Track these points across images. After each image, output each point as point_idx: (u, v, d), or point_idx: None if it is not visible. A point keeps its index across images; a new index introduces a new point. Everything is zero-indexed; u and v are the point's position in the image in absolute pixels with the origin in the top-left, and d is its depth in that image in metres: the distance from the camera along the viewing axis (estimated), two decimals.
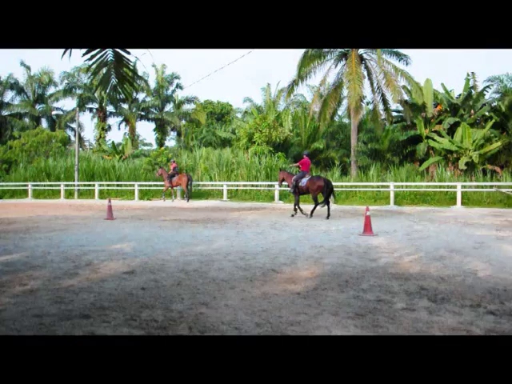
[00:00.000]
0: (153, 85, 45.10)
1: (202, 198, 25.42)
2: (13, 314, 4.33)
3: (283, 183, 17.11)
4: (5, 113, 45.43)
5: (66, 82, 43.26)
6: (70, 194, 29.35)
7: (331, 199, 14.64)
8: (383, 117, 30.39)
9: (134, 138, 44.59)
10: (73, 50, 3.86)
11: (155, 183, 27.33)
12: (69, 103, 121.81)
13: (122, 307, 4.55)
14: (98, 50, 4.17)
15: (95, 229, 11.53)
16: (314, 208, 14.75)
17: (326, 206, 14.44)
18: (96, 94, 41.90)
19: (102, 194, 28.00)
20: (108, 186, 29.02)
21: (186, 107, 46.20)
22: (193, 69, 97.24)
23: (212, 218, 14.17)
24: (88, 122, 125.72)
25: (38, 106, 45.90)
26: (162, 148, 34.22)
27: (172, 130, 47.69)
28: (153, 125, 46.50)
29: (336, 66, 29.34)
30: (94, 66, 4.42)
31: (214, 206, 20.92)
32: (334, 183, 22.86)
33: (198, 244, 8.78)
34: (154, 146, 48.85)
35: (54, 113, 46.24)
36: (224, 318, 4.21)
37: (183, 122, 45.95)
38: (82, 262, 6.95)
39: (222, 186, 25.51)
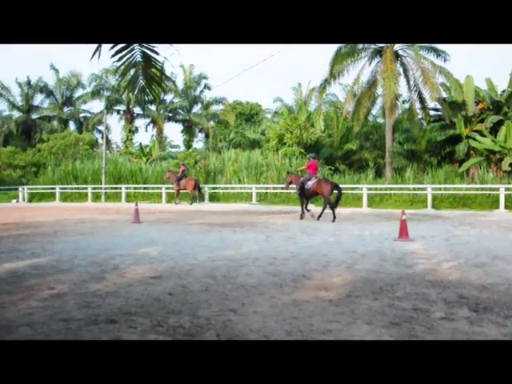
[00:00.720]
0: (180, 86, 45.69)
1: (230, 201, 25.53)
2: (41, 317, 4.44)
3: (290, 186, 17.38)
4: (34, 116, 46.82)
5: (94, 84, 44.26)
6: (96, 197, 29.95)
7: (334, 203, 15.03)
8: (420, 116, 29.92)
9: (161, 139, 45.20)
10: (102, 51, 3.95)
11: None
12: (96, 105, 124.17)
13: (148, 313, 4.61)
14: (126, 50, 4.25)
15: (122, 232, 11.72)
16: (322, 211, 15.24)
17: (331, 210, 14.75)
18: (123, 96, 42.66)
19: (129, 197, 28.47)
20: (135, 189, 29.49)
21: (215, 108, 46.58)
22: (221, 69, 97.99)
23: (241, 222, 14.20)
24: (115, 124, 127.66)
25: (66, 109, 47.13)
26: (190, 150, 34.64)
27: (200, 131, 48.11)
28: (180, 126, 47.11)
29: (370, 63, 29.08)
30: (122, 67, 4.51)
31: (243, 209, 20.98)
32: (367, 185, 22.78)
33: (226, 248, 8.81)
34: (182, 148, 49.37)
35: (81, 115, 47.38)
36: (253, 325, 4.21)
37: (211, 123, 46.32)
38: (108, 266, 7.08)
39: (250, 188, 25.59)
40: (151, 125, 46.68)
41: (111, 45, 4.25)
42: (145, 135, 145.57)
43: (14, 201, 30.78)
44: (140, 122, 49.41)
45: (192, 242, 9.83)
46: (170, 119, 46.62)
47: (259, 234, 11.23)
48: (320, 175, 15.86)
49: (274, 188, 26.09)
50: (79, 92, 46.90)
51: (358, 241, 9.89)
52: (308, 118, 33.68)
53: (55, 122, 46.88)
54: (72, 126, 47.66)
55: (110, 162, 33.15)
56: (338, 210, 16.01)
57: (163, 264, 7.21)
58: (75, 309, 4.74)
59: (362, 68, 28.92)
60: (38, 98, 46.97)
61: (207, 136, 46.63)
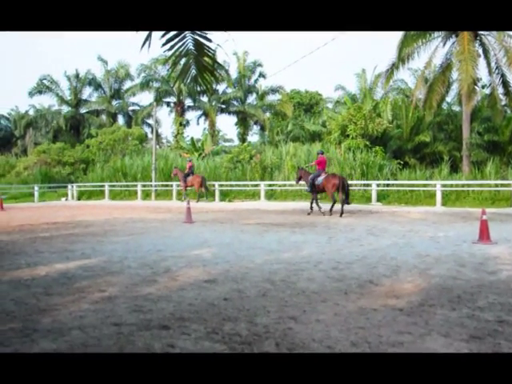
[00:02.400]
0: (234, 75, 46.07)
1: (288, 199, 25.52)
2: (93, 321, 4.62)
3: (300, 182, 18.96)
4: (83, 110, 48.75)
5: (143, 75, 45.40)
6: (146, 195, 30.74)
7: (343, 198, 16.38)
8: (503, 102, 28.68)
9: (213, 133, 45.76)
10: (152, 40, 4.04)
11: (237, 183, 27.87)
12: (145, 98, 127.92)
13: (202, 319, 4.69)
14: (178, 38, 4.32)
15: (173, 233, 11.98)
16: (332, 206, 16.65)
17: (340, 204, 16.23)
18: (174, 87, 43.53)
19: (181, 195, 29.00)
20: None
21: (271, 98, 46.66)
22: (277, 55, 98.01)
23: (300, 222, 14.18)
24: (165, 117, 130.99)
25: (114, 102, 48.72)
26: (245, 144, 34.81)
27: (255, 123, 48.32)
28: (234, 118, 47.50)
29: (444, 44, 28.16)
30: (173, 57, 4.60)
31: (302, 208, 20.90)
32: (442, 182, 22.12)
33: (285, 251, 8.82)
34: (236, 142, 49.79)
35: (130, 108, 48.80)
36: (315, 334, 4.19)
37: (267, 114, 46.43)
38: (160, 268, 7.25)
39: None
40: (203, 117, 47.37)
41: (162, 33, 4.34)
42: (196, 129, 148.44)
43: (63, 199, 32.12)
44: (191, 115, 50.28)
45: (248, 243, 9.91)
46: (222, 111, 47.11)
47: (321, 235, 11.17)
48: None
49: None
50: (128, 84, 48.39)
51: (431, 243, 9.64)
52: (374, 108, 33.08)
53: (104, 116, 48.58)
54: (121, 119, 49.29)
55: (160, 157, 33.93)
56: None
57: (217, 267, 7.31)
58: (126, 313, 4.89)
59: (434, 50, 28.07)
60: (87, 92, 48.92)
61: (263, 129, 46.79)
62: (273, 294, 5.65)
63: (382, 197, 23.48)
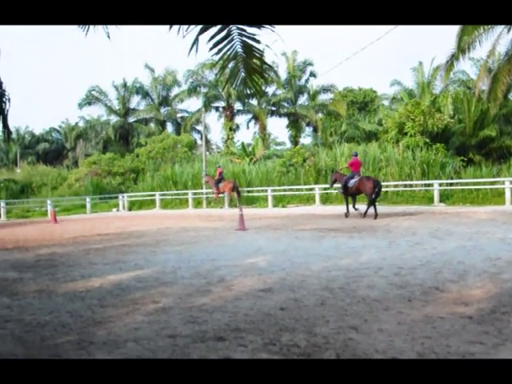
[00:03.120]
0: (283, 75, 46.11)
1: (343, 203, 25.28)
2: (147, 333, 4.72)
3: (335, 185, 19.78)
4: (131, 119, 50.06)
5: (190, 80, 46.12)
6: (198, 203, 31.16)
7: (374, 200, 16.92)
8: None
9: (264, 137, 45.95)
10: (199, 44, 4.11)
11: (290, 187, 27.84)
12: (194, 104, 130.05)
13: (259, 329, 4.69)
14: (225, 41, 4.37)
15: (226, 241, 12.08)
16: (368, 207, 16.99)
17: (373, 207, 16.75)
18: (223, 92, 44.00)
19: (232, 202, 29.23)
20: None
21: (323, 98, 46.43)
22: (327, 53, 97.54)
23: (358, 226, 14.01)
24: (214, 123, 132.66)
25: (162, 110, 49.80)
26: (297, 147, 34.83)
27: (307, 125, 48.19)
28: (285, 121, 47.53)
29: (509, 30, 27.23)
30: (221, 61, 4.65)
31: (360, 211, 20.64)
32: (511, 178, 21.33)
33: (343, 257, 8.74)
34: (288, 145, 49.85)
35: (178, 115, 49.73)
36: (378, 345, 4.12)
37: (320, 115, 46.22)
38: (213, 278, 7.33)
39: None
40: (253, 121, 47.65)
41: (209, 37, 4.41)
42: (246, 133, 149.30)
43: (114, 209, 33.04)
44: (241, 119, 50.76)
45: (304, 249, 9.88)
46: (273, 113, 47.24)
47: (380, 239, 11.00)
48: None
49: (396, 186, 25.39)
50: (175, 90, 49.34)
51: (501, 245, 9.31)
52: (433, 102, 32.37)
53: (152, 125, 49.70)
54: (169, 127, 50.30)
55: (210, 164, 34.37)
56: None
57: (273, 275, 7.32)
58: (181, 324, 4.97)
59: (498, 37, 27.16)
60: (135, 100, 50.26)
61: (315, 130, 46.60)
62: (331, 302, 5.60)
63: (446, 197, 22.90)
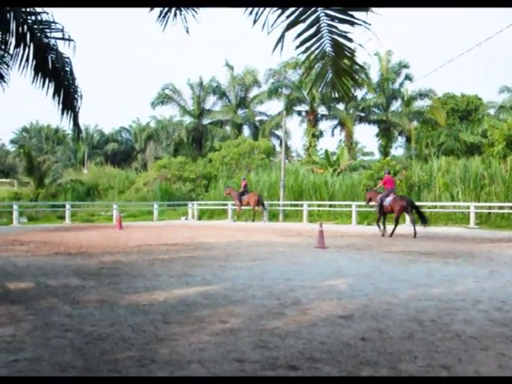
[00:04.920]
0: (375, 78, 45.64)
1: (439, 224, 24.60)
2: (213, 355, 4.78)
3: (370, 203, 21.20)
4: (206, 121, 51.11)
5: (272, 81, 46.52)
6: (273, 216, 31.26)
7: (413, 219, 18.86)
8: None
9: (351, 145, 45.58)
10: (285, 41, 4.15)
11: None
12: (274, 106, 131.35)
13: (336, 361, 4.64)
14: (314, 39, 4.39)
15: (303, 259, 12.05)
16: (394, 229, 18.63)
17: (412, 226, 18.58)
18: (306, 94, 44.07)
19: (312, 217, 29.15)
20: (319, 206, 30.10)
21: (419, 104, 45.58)
22: (426, 53, 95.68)
23: (454, 251, 13.60)
24: (296, 128, 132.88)
25: (240, 112, 50.46)
26: (387, 158, 34.23)
27: (400, 134, 47.42)
28: (375, 129, 47.01)
29: None
30: (307, 60, 4.67)
31: (457, 234, 20.04)
32: None
33: (436, 285, 8.51)
34: (377, 156, 49.17)
35: (257, 118, 50.23)
36: None
37: (414, 123, 45.36)
38: (288, 299, 7.32)
39: (467, 207, 24.36)
40: (339, 127, 47.44)
41: (296, 34, 4.44)
42: (331, 140, 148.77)
43: (183, 218, 33.72)
44: (325, 125, 50.64)
45: (390, 274, 9.71)
46: (361, 120, 46.84)
47: (480, 267, 10.62)
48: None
49: (501, 207, 24.42)
50: (255, 91, 49.86)
51: None
52: None
53: (228, 128, 50.51)
54: (246, 131, 50.87)
55: (289, 173, 34.41)
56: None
57: (354, 301, 7.24)
58: (250, 348, 4.99)
59: None
60: (210, 101, 51.25)
61: (409, 140, 45.73)
62: (420, 336, 5.46)
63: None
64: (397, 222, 18.82)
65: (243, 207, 29.60)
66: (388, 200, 18.88)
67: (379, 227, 19.44)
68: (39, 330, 5.73)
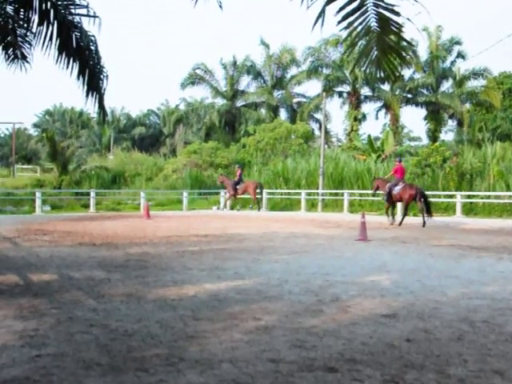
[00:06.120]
0: (423, 56, 44.99)
1: (493, 216, 24.24)
2: (246, 354, 4.80)
3: (377, 192, 22.23)
4: (239, 103, 51.12)
5: (311, 59, 46.23)
6: (312, 205, 31.22)
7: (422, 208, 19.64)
8: None
9: (396, 129, 45.15)
10: (325, 16, 4.11)
11: (425, 193, 27.08)
12: (313, 88, 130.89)
13: (379, 363, 4.62)
14: (358, 13, 4.34)
15: (344, 253, 12.02)
16: (403, 218, 20.04)
17: (421, 215, 19.59)
18: (349, 74, 43.67)
19: (353, 207, 29.01)
20: (361, 195, 29.91)
21: (472, 84, 44.87)
22: (480, 29, 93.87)
23: (509, 246, 13.40)
24: (336, 111, 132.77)
25: (276, 93, 50.39)
26: (436, 143, 33.83)
27: (450, 117, 46.79)
28: (423, 111, 46.53)
29: None
30: (350, 36, 4.62)
31: None
32: None
33: (489, 283, 8.40)
34: (425, 141, 48.68)
35: (294, 100, 49.98)
36: None
37: (467, 105, 44.65)
38: (326, 296, 7.31)
39: None
40: (383, 110, 47.05)
41: (337, 8, 4.39)
42: (375, 124, 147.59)
43: (214, 207, 33.84)
44: (368, 107, 50.48)
45: (439, 270, 9.61)
46: (408, 102, 46.33)
47: None
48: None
49: None
50: (292, 71, 49.66)
51: None
52: None
53: (263, 110, 50.46)
54: (283, 114, 50.80)
55: (328, 159, 34.28)
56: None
57: (399, 298, 7.19)
58: (286, 348, 5.00)
59: None
60: (244, 81, 51.26)
61: (461, 124, 45.08)
62: (471, 338, 5.39)
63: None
64: (406, 211, 20.42)
65: (239, 196, 30.46)
66: (397, 189, 20.02)
67: (388, 216, 20.65)
68: (63, 324, 5.84)
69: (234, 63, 50.12)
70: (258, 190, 29.60)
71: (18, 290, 7.71)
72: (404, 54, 5.44)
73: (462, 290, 7.82)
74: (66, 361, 4.61)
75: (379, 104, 47.06)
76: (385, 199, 20.91)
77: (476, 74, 44.41)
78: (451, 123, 48.33)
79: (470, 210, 26.05)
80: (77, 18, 9.23)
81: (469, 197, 26.29)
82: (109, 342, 5.19)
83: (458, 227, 19.87)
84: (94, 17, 9.00)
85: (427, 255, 11.63)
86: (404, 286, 8.01)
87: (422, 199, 19.56)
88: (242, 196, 30.57)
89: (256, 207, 29.73)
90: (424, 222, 19.18)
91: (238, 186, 29.64)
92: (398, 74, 5.97)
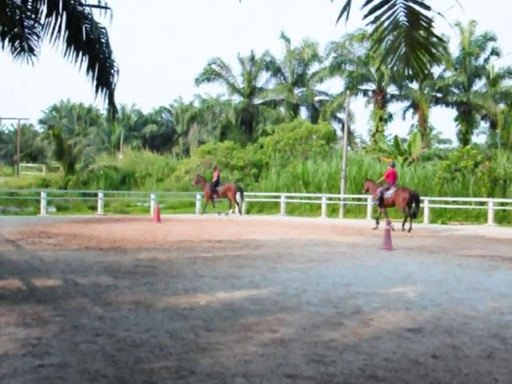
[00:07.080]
0: (455, 53, 44.75)
1: None
2: (260, 368, 4.80)
3: (367, 194, 23.76)
4: (257, 101, 51.07)
5: (334, 55, 46.12)
6: (333, 211, 31.16)
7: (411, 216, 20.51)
8: None
9: (425, 131, 44.89)
10: (351, 10, 4.10)
11: (455, 199, 26.98)
12: (336, 85, 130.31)
13: (402, 380, 4.60)
14: (386, 7, 4.32)
15: (366, 262, 11.99)
16: (404, 221, 20.57)
17: (408, 219, 20.36)
18: (375, 71, 43.50)
19: (377, 213, 28.83)
20: None
21: (507, 84, 44.48)
22: None
23: None
24: (361, 110, 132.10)
25: (296, 91, 50.30)
26: (468, 146, 33.61)
27: (483, 118, 46.49)
28: (454, 112, 46.24)
29: None
30: (377, 32, 4.60)
31: None
32: None
33: None
34: (455, 144, 48.37)
35: (316, 99, 49.96)
36: None
37: (501, 106, 44.32)
38: (347, 307, 7.29)
39: None
40: (411, 110, 46.83)
41: (363, 2, 4.38)
42: (401, 125, 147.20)
43: (229, 211, 33.91)
44: (395, 107, 50.01)
45: (468, 282, 9.56)
46: (437, 102, 46.08)
47: None
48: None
49: None
50: (314, 67, 49.53)
51: None
52: None
53: (282, 109, 50.39)
54: (304, 112, 50.65)
55: (352, 162, 34.18)
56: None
57: (425, 312, 7.16)
58: (303, 363, 4.99)
59: None
60: (263, 78, 51.15)
61: (494, 126, 44.79)
62: (503, 355, 5.35)
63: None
64: (405, 214, 20.77)
65: (217, 199, 30.92)
66: (389, 193, 21.03)
67: (376, 224, 21.24)
68: (67, 333, 5.87)
69: (252, 58, 50.05)
70: (238, 193, 30.02)
71: (20, 296, 7.77)
72: (434, 50, 5.40)
73: (493, 303, 7.77)
74: (69, 372, 4.64)
75: (406, 103, 46.87)
76: (375, 203, 22.22)
77: (511, 73, 44.12)
78: (484, 125, 48.05)
79: (502, 218, 25.88)
80: (87, 9, 9.28)
81: (502, 204, 26.11)
82: (115, 352, 5.21)
83: (490, 236, 19.72)
84: (106, 8, 9.05)
85: (456, 266, 11.57)
86: (430, 299, 7.97)
87: (414, 204, 20.50)
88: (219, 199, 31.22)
89: (234, 210, 30.12)
90: (410, 228, 20.19)
91: (217, 188, 29.89)
92: (427, 72, 5.95)
